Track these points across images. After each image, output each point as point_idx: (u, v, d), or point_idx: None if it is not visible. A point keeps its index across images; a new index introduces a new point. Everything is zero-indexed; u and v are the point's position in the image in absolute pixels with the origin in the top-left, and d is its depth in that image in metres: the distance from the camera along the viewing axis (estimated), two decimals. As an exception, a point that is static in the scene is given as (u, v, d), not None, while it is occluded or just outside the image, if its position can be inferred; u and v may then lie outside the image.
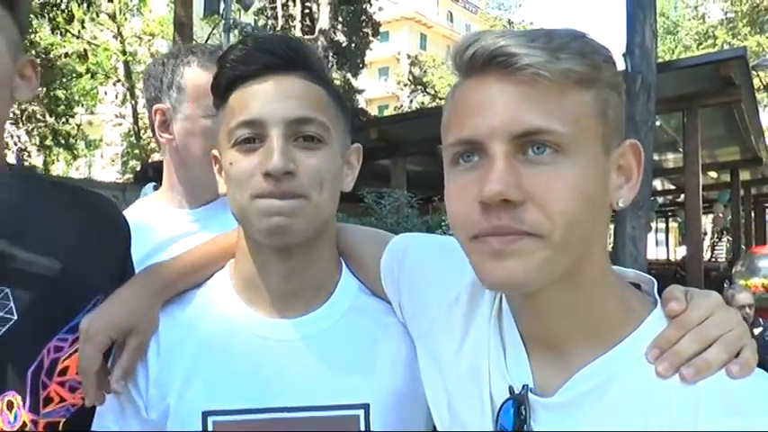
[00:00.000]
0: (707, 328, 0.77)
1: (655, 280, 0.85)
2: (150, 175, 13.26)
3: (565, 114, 0.72)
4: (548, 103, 0.72)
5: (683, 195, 11.33)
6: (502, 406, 0.83)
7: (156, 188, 1.71)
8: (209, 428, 1.02)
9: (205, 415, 1.03)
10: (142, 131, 22.04)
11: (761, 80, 15.37)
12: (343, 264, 1.17)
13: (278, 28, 20.26)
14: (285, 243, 1.04)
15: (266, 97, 1.01)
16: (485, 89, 0.74)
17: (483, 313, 0.92)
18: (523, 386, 0.81)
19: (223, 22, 13.45)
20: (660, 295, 0.83)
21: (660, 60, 10.19)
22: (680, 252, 24.77)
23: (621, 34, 7.07)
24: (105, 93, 22.72)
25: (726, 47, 26.21)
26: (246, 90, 1.03)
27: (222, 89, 1.07)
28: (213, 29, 19.91)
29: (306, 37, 19.32)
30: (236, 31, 13.76)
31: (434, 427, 1.02)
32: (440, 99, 31.62)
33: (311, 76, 1.05)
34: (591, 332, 0.79)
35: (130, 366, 1.05)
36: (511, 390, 0.83)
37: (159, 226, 1.54)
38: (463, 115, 0.76)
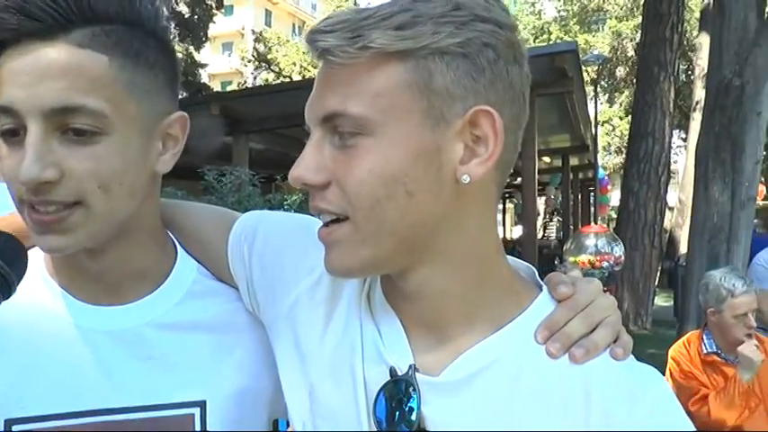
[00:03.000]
0: (592, 311, 0.79)
1: (534, 268, 0.86)
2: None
3: (362, 94, 0.70)
4: (346, 84, 0.71)
5: (519, 178, 11.94)
6: (380, 390, 0.79)
7: None
8: None
9: (8, 423, 0.84)
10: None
11: (588, 74, 16.49)
12: (178, 247, 1.01)
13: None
14: (71, 254, 0.86)
15: (21, 78, 0.79)
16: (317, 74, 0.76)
17: (351, 292, 0.86)
18: (410, 366, 0.77)
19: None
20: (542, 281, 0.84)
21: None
22: (515, 231, 26.31)
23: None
24: None
25: (559, 42, 27.95)
26: (3, 65, 0.81)
27: None
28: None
29: (144, 4, 18.27)
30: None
31: (281, 422, 0.96)
32: (284, 77, 31.33)
33: (89, 36, 0.81)
34: (475, 314, 0.78)
35: None
36: (393, 371, 0.78)
37: None
38: None
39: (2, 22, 0.78)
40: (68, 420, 0.86)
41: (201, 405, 0.92)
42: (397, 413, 0.76)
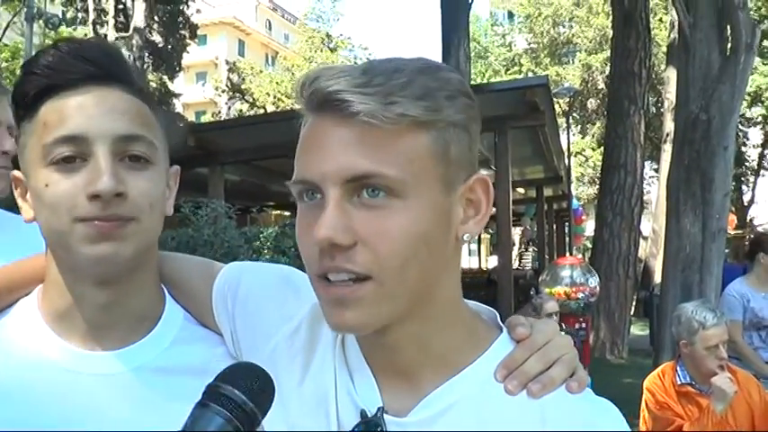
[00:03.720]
0: (549, 350, 0.84)
1: (496, 312, 0.90)
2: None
3: (397, 158, 0.73)
4: (380, 147, 0.72)
5: (494, 209, 12.02)
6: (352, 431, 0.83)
7: None
8: None
9: None
10: None
11: (560, 106, 16.77)
12: (167, 293, 1.07)
13: (89, 21, 19.05)
14: (110, 272, 0.93)
15: (88, 111, 0.90)
16: (322, 130, 0.76)
17: (326, 341, 0.91)
18: (378, 408, 0.82)
19: (26, 9, 12.34)
20: (503, 323, 0.90)
21: (473, 83, 10.75)
22: (491, 261, 26.38)
23: (439, 54, 7.37)
24: None
25: (530, 74, 28.46)
26: (63, 101, 0.91)
27: (30, 99, 0.93)
28: (14, 16, 18.28)
29: (120, 35, 18.31)
30: (40, 21, 12.67)
31: None
32: (258, 107, 31.43)
33: (133, 90, 0.96)
34: (440, 359, 0.82)
35: None
36: (363, 413, 0.82)
37: None
38: (304, 154, 0.78)
39: (75, 65, 0.91)
40: None
41: None
42: None
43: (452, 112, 0.76)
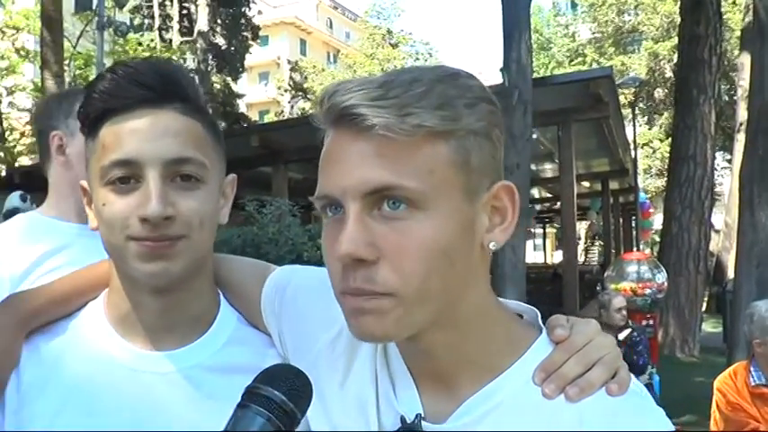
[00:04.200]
0: (589, 351, 0.82)
1: (537, 310, 0.89)
2: (17, 181, 12.35)
3: (416, 169, 0.72)
4: (398, 158, 0.72)
5: (559, 203, 11.85)
6: None
7: (23, 197, 1.82)
8: None
9: None
10: (7, 133, 20.48)
11: (625, 97, 16.39)
12: (221, 295, 1.11)
13: (155, 27, 19.61)
14: (163, 285, 0.98)
15: (141, 135, 0.95)
16: (340, 144, 0.76)
17: (368, 346, 0.91)
18: (417, 415, 0.82)
19: (96, 19, 12.77)
20: (543, 323, 0.87)
21: (535, 75, 10.62)
22: (557, 256, 25.95)
23: (500, 47, 7.27)
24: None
25: (594, 65, 27.86)
26: (119, 125, 0.96)
27: (91, 121, 0.98)
28: (86, 26, 18.92)
29: (184, 39, 18.78)
30: (110, 29, 13.10)
31: None
32: (322, 106, 31.68)
33: (187, 108, 0.99)
34: (477, 364, 0.81)
35: None
36: (402, 419, 0.83)
37: (45, 236, 1.68)
38: (324, 168, 0.78)
39: (129, 89, 0.95)
40: None
41: None
42: None
43: (472, 120, 0.75)
